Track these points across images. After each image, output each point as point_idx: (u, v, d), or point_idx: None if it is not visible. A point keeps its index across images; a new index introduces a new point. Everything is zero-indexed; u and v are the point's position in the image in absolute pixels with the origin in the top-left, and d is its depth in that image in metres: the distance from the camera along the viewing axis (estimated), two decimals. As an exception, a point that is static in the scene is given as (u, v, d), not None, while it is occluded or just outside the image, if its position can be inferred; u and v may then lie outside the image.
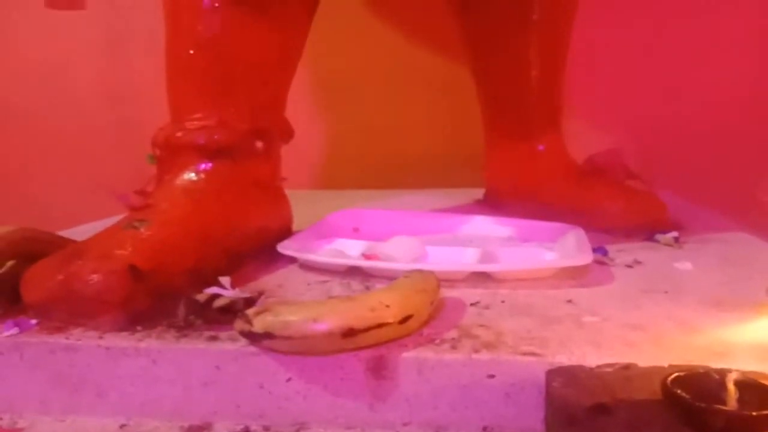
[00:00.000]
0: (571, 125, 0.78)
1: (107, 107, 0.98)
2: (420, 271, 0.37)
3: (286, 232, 0.50)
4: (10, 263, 0.39)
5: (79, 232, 0.45)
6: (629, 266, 0.45)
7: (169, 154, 0.43)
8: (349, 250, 0.47)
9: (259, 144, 0.45)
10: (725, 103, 0.88)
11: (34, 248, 0.39)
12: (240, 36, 0.44)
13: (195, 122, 0.44)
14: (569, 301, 0.38)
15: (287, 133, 0.49)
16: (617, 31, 0.88)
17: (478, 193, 0.75)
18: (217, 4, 0.43)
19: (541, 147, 0.62)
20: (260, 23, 0.44)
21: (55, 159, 1.00)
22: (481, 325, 0.34)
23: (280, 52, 0.47)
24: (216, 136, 0.43)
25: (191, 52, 0.43)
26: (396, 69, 0.90)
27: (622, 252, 0.49)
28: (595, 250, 0.46)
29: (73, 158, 1.00)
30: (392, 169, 0.90)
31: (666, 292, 0.39)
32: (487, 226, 0.56)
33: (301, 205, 0.54)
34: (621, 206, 0.54)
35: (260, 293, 0.38)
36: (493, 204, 0.69)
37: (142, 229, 0.38)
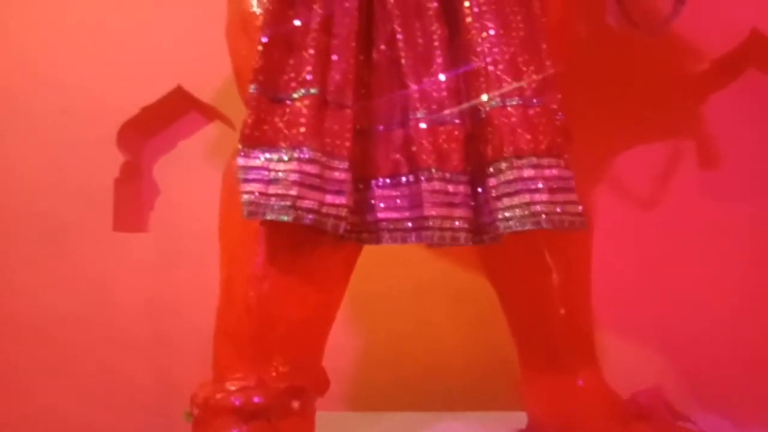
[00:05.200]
0: (604, 349, 0.77)
1: (146, 325, 1.01)
2: None
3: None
4: None
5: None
6: None
7: (207, 415, 0.45)
8: None
9: (296, 404, 0.46)
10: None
11: None
12: (286, 299, 0.49)
13: (235, 382, 0.46)
14: None
15: (323, 387, 0.51)
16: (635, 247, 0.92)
17: (517, 417, 0.71)
18: (269, 273, 0.49)
19: (580, 382, 0.61)
20: (306, 286, 0.49)
21: (83, 373, 1.00)
22: None
23: (323, 308, 0.51)
24: (254, 398, 0.45)
25: (240, 315, 0.48)
26: (426, 285, 0.94)
27: None
28: None
29: (103, 373, 1.00)
30: (425, 388, 0.88)
31: None
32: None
33: (331, 431, 0.53)
34: (675, 458, 0.50)
35: None
36: (536, 438, 0.65)
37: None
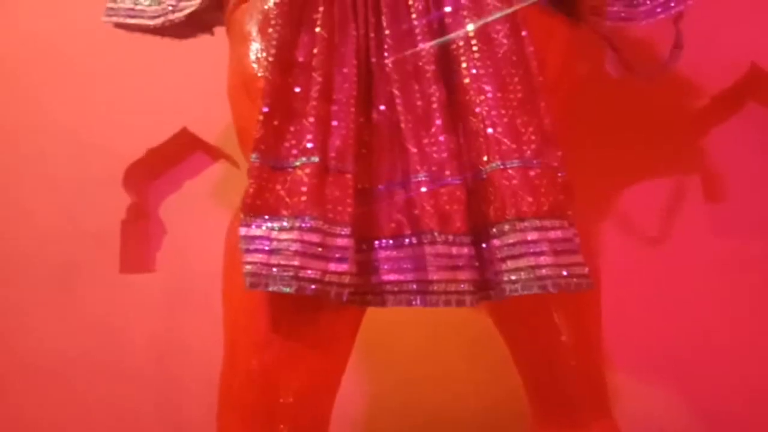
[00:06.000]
0: (614, 389, 0.76)
1: (153, 364, 1.01)
2: None
3: None
4: None
5: None
6: None
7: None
8: None
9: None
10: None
11: None
12: (291, 368, 0.48)
13: (239, 458, 0.45)
14: None
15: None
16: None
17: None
18: (272, 341, 0.48)
19: (598, 439, 0.60)
20: (311, 354, 0.49)
21: (90, 412, 1.00)
22: None
23: (328, 374, 0.51)
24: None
25: (243, 384, 0.48)
26: (435, 326, 0.93)
27: None
28: None
29: (110, 413, 1.00)
30: (435, 428, 0.87)
31: None
32: None
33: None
34: None
35: None
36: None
37: None
